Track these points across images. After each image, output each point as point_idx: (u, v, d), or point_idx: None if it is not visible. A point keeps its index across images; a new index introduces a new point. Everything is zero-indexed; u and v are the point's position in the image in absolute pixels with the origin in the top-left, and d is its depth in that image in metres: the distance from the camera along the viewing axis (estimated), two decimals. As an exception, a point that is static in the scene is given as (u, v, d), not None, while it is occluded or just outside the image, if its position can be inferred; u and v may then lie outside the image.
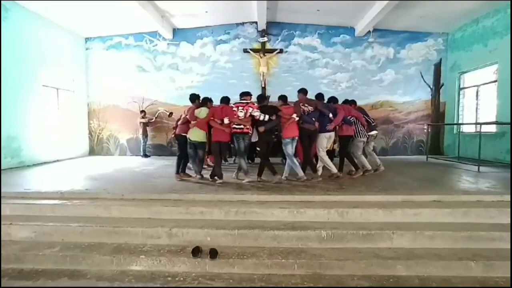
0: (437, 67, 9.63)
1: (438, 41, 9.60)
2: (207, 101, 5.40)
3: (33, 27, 7.68)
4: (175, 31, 9.63)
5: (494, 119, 7.62)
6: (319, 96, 5.52)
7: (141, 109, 9.52)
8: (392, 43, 9.59)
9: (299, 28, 9.55)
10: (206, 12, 8.56)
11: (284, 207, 3.80)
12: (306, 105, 5.23)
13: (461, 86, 9.25)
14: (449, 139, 9.50)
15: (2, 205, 3.95)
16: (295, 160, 5.24)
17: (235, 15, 9.01)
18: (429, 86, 9.66)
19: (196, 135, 5.17)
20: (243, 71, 9.62)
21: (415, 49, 9.59)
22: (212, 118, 5.06)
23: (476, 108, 8.61)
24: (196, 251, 3.10)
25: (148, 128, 9.40)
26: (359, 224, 3.55)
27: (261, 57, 9.44)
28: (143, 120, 9.19)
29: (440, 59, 9.61)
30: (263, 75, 9.44)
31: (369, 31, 9.20)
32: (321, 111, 5.25)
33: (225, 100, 5.29)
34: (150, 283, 2.84)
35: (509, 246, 3.20)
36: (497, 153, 7.44)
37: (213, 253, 3.08)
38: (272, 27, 9.53)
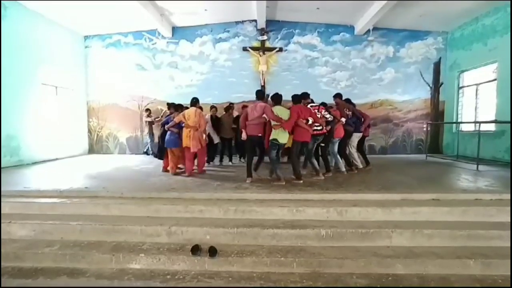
0: (437, 66, 9.63)
1: (437, 39, 9.60)
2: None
3: (32, 25, 7.66)
4: (175, 29, 9.62)
5: (493, 118, 7.63)
6: (347, 100, 6.37)
7: (145, 107, 9.47)
8: (391, 42, 9.58)
9: (299, 26, 9.54)
10: (206, 10, 8.56)
11: (283, 206, 3.81)
12: (346, 109, 6.00)
13: (460, 85, 9.26)
14: (448, 138, 9.52)
15: (1, 203, 3.95)
16: (338, 156, 5.92)
17: (234, 13, 9.01)
18: (429, 85, 9.66)
19: (285, 137, 4.86)
20: (242, 70, 9.63)
21: (414, 47, 9.59)
22: (299, 118, 4.85)
23: (476, 107, 8.62)
24: (196, 249, 3.11)
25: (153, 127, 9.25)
26: (358, 223, 3.56)
27: (260, 56, 9.44)
28: (149, 119, 9.10)
29: (440, 58, 9.61)
30: (262, 74, 9.45)
31: (369, 30, 9.20)
32: (355, 114, 6.12)
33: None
34: (149, 281, 2.85)
35: (508, 245, 3.21)
36: (496, 151, 7.45)
37: (213, 251, 3.09)
38: (271, 26, 9.52)
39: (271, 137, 4.84)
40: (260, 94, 5.27)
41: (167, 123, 5.86)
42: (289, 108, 5.00)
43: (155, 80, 9.74)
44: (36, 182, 5.12)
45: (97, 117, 9.89)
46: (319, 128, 5.21)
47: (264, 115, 4.97)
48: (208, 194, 4.24)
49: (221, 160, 7.53)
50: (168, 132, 5.78)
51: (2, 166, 6.59)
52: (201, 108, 6.23)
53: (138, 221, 3.60)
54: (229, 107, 7.67)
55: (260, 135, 5.03)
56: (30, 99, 7.53)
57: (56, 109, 8.77)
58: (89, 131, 9.95)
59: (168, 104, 6.92)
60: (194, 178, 5.44)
